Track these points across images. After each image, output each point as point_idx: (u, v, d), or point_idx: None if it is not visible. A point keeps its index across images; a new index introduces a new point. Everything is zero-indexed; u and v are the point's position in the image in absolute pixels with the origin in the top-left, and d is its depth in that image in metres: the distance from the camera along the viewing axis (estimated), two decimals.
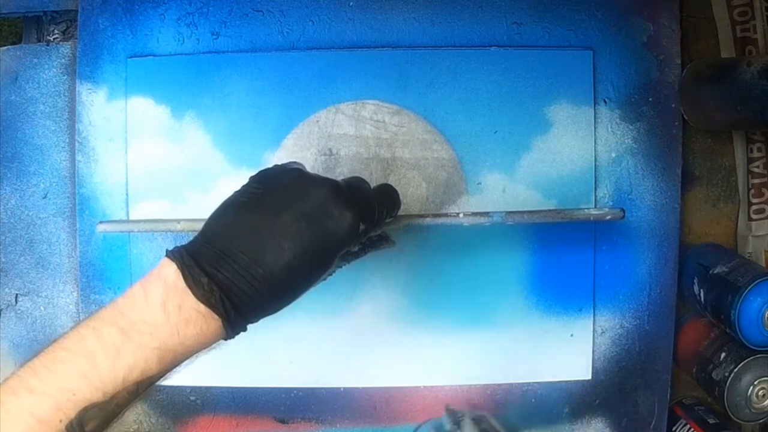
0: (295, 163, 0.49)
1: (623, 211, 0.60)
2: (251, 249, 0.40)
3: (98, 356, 0.36)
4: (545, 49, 0.70)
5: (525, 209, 0.65)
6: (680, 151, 0.71)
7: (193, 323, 0.38)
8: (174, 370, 0.40)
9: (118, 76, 0.70)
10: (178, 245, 0.41)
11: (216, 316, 0.39)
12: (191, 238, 0.42)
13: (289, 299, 0.43)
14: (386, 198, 0.48)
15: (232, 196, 0.44)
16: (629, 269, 0.71)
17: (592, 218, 0.60)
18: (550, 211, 0.64)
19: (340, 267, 0.50)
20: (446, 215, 0.58)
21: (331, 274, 0.47)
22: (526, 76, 0.69)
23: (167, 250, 0.40)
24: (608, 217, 0.60)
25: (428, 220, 0.57)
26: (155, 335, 0.38)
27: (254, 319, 0.42)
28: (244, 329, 0.42)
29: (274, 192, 0.43)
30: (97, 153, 0.70)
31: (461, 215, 0.58)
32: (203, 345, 0.40)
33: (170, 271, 0.39)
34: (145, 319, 0.38)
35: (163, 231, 0.67)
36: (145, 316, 0.38)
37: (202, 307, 0.38)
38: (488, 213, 0.59)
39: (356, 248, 0.50)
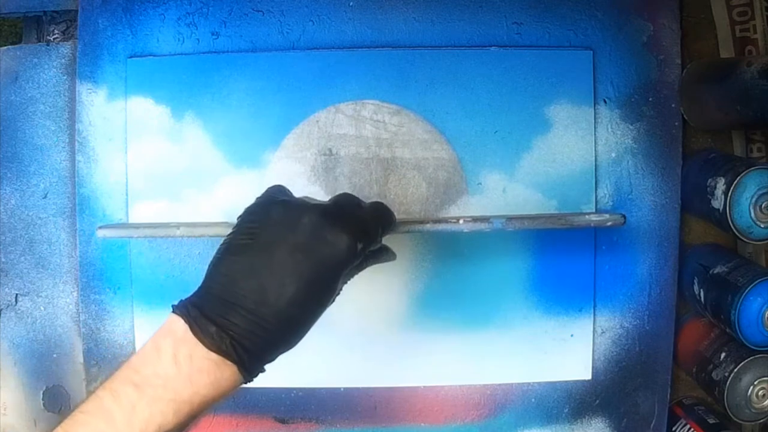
0: (277, 189, 0.48)
1: (624, 216, 0.59)
2: (253, 291, 0.40)
3: (115, 414, 0.37)
4: (545, 49, 0.70)
5: (526, 211, 0.65)
6: (680, 151, 0.71)
7: (206, 372, 0.39)
8: (195, 421, 0.40)
9: (118, 76, 0.70)
10: (183, 299, 0.41)
11: (229, 362, 0.39)
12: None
13: (302, 331, 0.43)
14: (379, 216, 0.48)
15: (225, 240, 0.44)
16: (629, 269, 0.71)
17: (592, 224, 0.60)
18: (550, 216, 0.64)
19: (346, 283, 0.49)
20: (446, 221, 0.57)
21: (338, 294, 0.47)
22: (526, 76, 0.69)
23: (173, 306, 0.41)
24: (609, 224, 0.59)
25: (428, 227, 0.56)
26: (169, 387, 0.38)
27: (270, 357, 0.42)
28: (263, 370, 0.42)
29: (265, 229, 0.42)
30: (97, 153, 0.70)
31: (461, 221, 0.57)
32: (220, 392, 0.40)
33: (178, 325, 0.39)
34: (158, 373, 0.38)
35: (162, 237, 0.67)
36: (158, 369, 0.38)
37: (213, 355, 0.39)
38: (488, 218, 0.58)
39: (357, 262, 0.50)
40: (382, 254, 0.53)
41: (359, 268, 0.50)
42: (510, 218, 0.59)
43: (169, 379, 0.38)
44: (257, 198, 0.47)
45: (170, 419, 0.38)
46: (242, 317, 0.39)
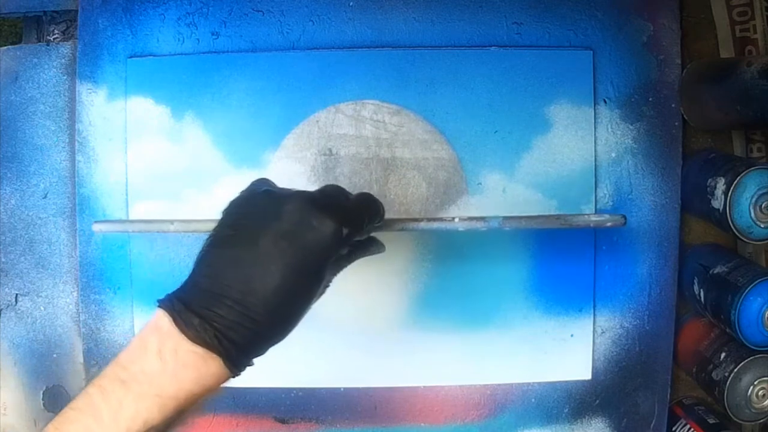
0: (261, 181, 0.48)
1: (624, 217, 0.59)
2: (239, 281, 0.39)
3: (103, 411, 0.37)
4: (545, 49, 0.70)
5: (525, 212, 0.65)
6: (680, 151, 0.71)
7: (191, 366, 0.38)
8: (183, 417, 0.40)
9: (118, 76, 0.70)
10: (169, 293, 0.41)
11: (214, 355, 0.39)
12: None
13: (290, 322, 0.42)
14: (366, 206, 0.47)
15: (210, 234, 0.43)
16: (629, 269, 0.71)
17: (592, 225, 0.60)
18: (549, 216, 0.63)
19: (335, 274, 0.49)
20: (441, 219, 0.56)
21: (327, 286, 0.47)
22: (526, 76, 0.69)
23: (158, 300, 0.40)
24: (609, 224, 0.59)
25: (422, 225, 0.55)
26: (154, 383, 0.38)
27: (258, 350, 0.41)
28: (251, 363, 0.41)
29: (249, 219, 0.42)
30: (97, 153, 0.70)
31: (457, 220, 0.56)
32: (206, 387, 0.39)
33: (164, 320, 0.39)
34: (144, 369, 0.38)
35: (157, 231, 0.67)
36: (144, 366, 0.38)
37: (198, 348, 0.38)
38: (485, 218, 0.56)
39: (345, 251, 0.49)
40: (371, 246, 0.52)
41: (348, 259, 0.49)
42: (507, 217, 0.58)
43: (155, 375, 0.38)
44: (241, 191, 0.46)
45: (155, 415, 0.38)
46: (228, 308, 0.39)
